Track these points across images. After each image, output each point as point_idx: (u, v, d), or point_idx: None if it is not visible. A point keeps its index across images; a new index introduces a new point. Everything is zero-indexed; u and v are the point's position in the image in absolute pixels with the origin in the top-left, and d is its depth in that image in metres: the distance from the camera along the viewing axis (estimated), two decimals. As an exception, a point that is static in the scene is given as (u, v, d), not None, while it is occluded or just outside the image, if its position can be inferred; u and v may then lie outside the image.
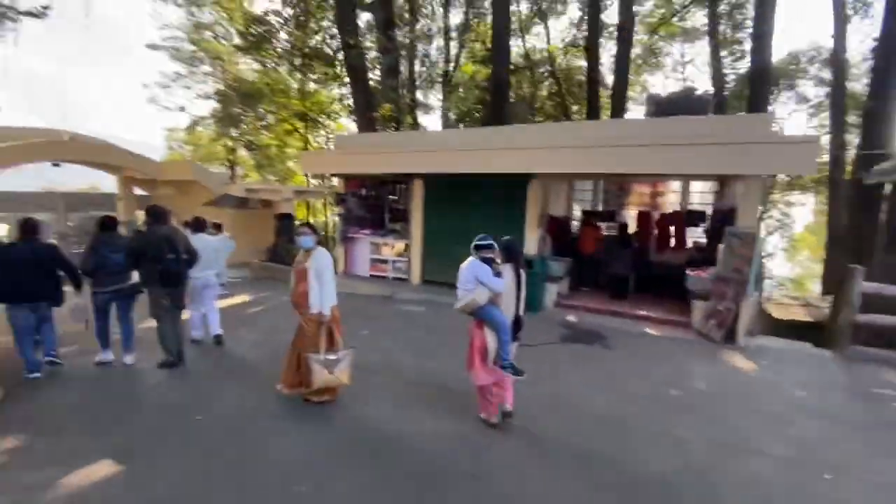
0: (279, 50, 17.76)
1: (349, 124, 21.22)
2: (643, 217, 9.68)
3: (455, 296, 3.58)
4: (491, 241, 3.48)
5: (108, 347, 4.97)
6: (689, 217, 9.31)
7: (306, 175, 19.55)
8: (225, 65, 21.40)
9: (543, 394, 4.31)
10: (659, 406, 4.18)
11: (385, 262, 9.58)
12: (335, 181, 11.68)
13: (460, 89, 18.55)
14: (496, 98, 12.72)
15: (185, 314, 5.20)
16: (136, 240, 4.85)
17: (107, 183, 17.17)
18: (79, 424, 3.61)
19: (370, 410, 3.95)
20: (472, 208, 8.47)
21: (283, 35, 17.35)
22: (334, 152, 10.26)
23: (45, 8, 8.86)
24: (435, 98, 20.58)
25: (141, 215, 17.73)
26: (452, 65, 18.90)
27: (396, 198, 10.28)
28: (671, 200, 10.17)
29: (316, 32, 17.66)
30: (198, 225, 5.93)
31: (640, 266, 8.66)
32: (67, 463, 3.02)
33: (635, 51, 18.97)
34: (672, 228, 9.29)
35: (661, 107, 8.34)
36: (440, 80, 18.77)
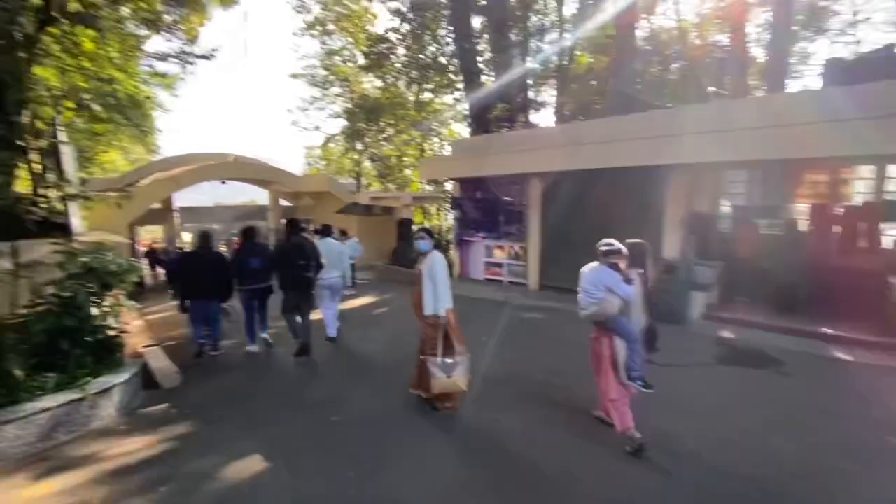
0: (397, 65, 18.83)
1: (462, 130, 21.61)
2: (819, 211, 7.79)
3: (576, 302, 3.38)
4: (619, 247, 3.25)
5: (254, 341, 5.69)
6: (888, 210, 7.23)
7: (423, 182, 20.34)
8: (351, 84, 23.60)
9: (709, 429, 3.54)
10: (881, 462, 3.12)
11: (500, 265, 9.32)
12: (450, 185, 11.87)
13: (573, 84, 17.47)
14: (620, 85, 11.59)
15: (318, 314, 5.59)
16: (274, 248, 5.54)
17: (261, 197, 20.06)
18: (234, 415, 4.00)
19: (502, 425, 3.67)
20: (598, 207, 7.72)
21: (400, 50, 18.31)
22: (451, 157, 10.36)
23: (214, 51, 10.59)
24: (548, 94, 19.78)
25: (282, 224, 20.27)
26: (567, 58, 17.92)
27: (512, 199, 9.96)
28: (859, 190, 8.06)
29: (430, 44, 18.33)
30: (325, 230, 6.45)
31: (814, 272, 6.95)
32: (225, 454, 3.30)
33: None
34: (861, 225, 7.30)
35: (851, 72, 6.59)
36: (554, 74, 17.95)
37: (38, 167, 6.90)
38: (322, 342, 5.91)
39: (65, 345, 3.44)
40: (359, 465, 3.12)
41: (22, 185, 7.46)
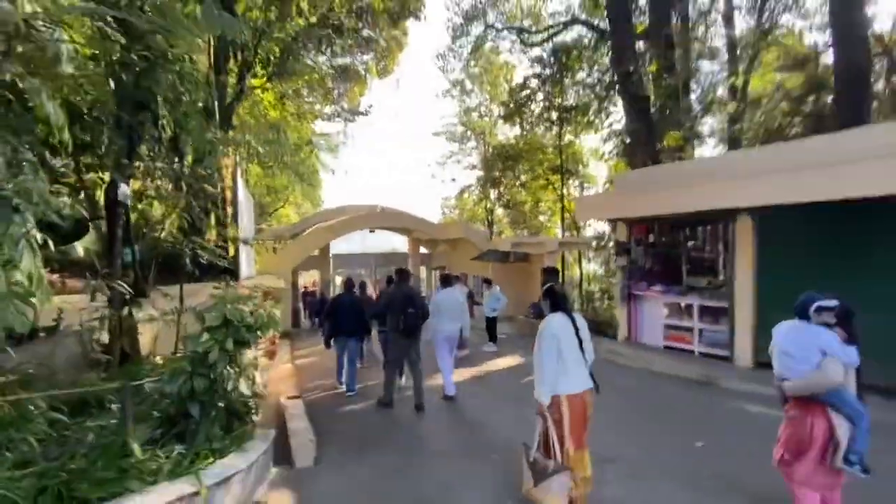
0: (535, 112, 18.33)
1: (597, 169, 19.76)
2: None
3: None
4: (836, 302, 2.65)
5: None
6: None
7: (581, 223, 18.88)
8: (487, 137, 24.24)
9: None
10: None
11: (688, 329, 7.16)
12: (601, 227, 10.28)
13: (762, 102, 14.46)
14: (848, 94, 8.77)
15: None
16: (383, 296, 6.04)
17: (401, 244, 20.94)
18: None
19: None
20: (843, 252, 5.35)
21: (539, 96, 17.79)
22: (615, 194, 8.81)
23: (370, 107, 11.23)
24: (717, 121, 16.91)
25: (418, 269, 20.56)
26: (741, 79, 15.11)
27: (698, 243, 7.85)
28: None
29: (570, 86, 17.51)
30: (445, 280, 6.50)
31: None
32: None
33: None
34: None
35: None
36: (728, 99, 15.22)
37: (219, 215, 7.70)
38: (436, 400, 5.59)
39: (194, 410, 2.95)
40: None
41: (209, 231, 8.40)
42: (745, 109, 14.48)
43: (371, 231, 18.06)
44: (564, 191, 20.31)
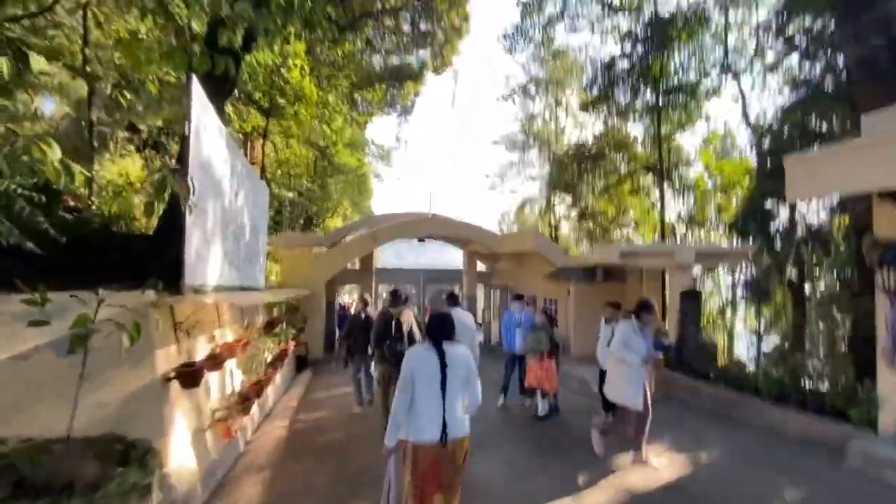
0: (625, 98, 14.85)
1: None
2: None
3: None
4: None
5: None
6: None
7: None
8: (554, 143, 21.33)
9: None
10: None
11: None
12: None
13: None
14: None
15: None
16: (377, 320, 5.34)
17: (456, 259, 18.03)
18: None
19: None
20: None
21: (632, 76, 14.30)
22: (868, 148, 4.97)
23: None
24: None
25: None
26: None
27: None
28: None
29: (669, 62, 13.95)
30: (452, 299, 5.72)
31: None
32: None
33: None
34: None
35: None
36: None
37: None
38: None
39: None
40: None
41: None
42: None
43: (420, 240, 15.27)
44: (656, 196, 16.46)
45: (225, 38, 3.76)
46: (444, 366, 2.55)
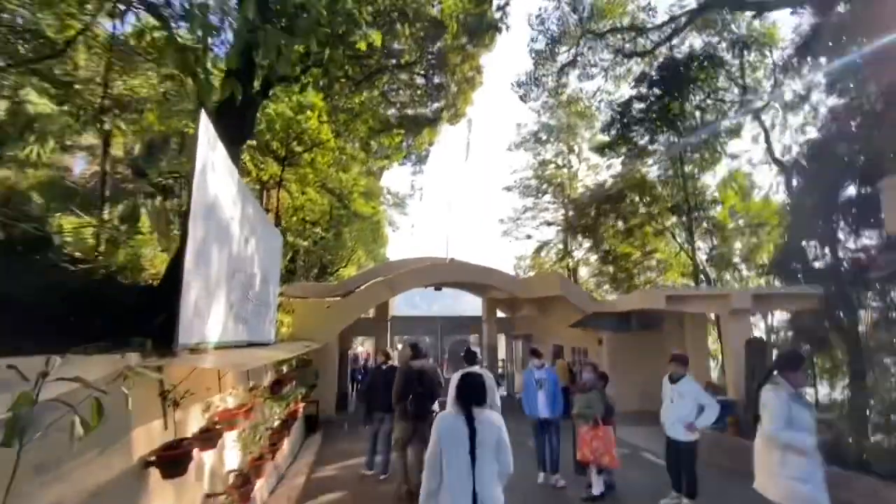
0: (642, 138, 14.65)
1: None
2: None
3: None
4: None
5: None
6: None
7: (696, 278, 13.99)
8: (567, 188, 21.28)
9: None
10: None
11: None
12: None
13: None
14: None
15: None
16: (399, 374, 5.15)
17: (474, 308, 17.28)
18: None
19: None
20: None
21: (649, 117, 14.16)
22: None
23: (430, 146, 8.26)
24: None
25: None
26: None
27: None
28: None
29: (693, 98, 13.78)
30: (469, 356, 5.09)
31: None
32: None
33: None
34: None
35: None
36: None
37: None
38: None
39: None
40: None
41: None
42: None
43: (437, 289, 14.59)
44: (680, 237, 15.77)
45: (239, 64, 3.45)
46: (473, 433, 2.40)
